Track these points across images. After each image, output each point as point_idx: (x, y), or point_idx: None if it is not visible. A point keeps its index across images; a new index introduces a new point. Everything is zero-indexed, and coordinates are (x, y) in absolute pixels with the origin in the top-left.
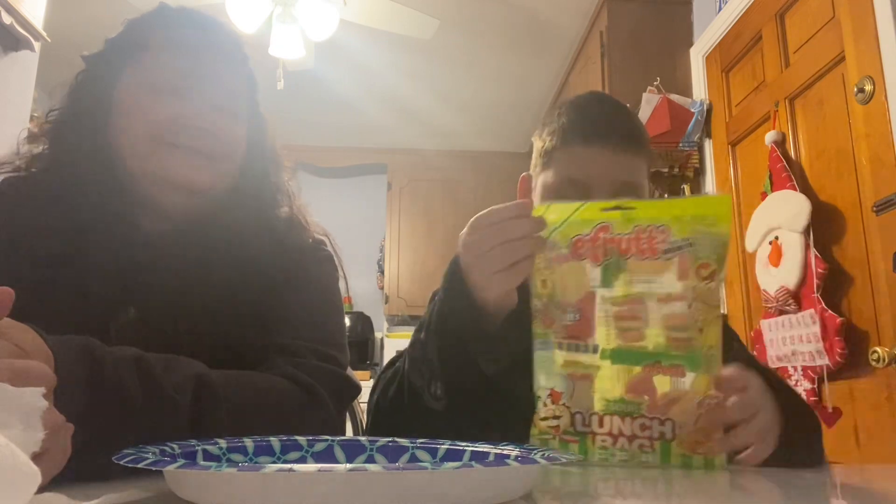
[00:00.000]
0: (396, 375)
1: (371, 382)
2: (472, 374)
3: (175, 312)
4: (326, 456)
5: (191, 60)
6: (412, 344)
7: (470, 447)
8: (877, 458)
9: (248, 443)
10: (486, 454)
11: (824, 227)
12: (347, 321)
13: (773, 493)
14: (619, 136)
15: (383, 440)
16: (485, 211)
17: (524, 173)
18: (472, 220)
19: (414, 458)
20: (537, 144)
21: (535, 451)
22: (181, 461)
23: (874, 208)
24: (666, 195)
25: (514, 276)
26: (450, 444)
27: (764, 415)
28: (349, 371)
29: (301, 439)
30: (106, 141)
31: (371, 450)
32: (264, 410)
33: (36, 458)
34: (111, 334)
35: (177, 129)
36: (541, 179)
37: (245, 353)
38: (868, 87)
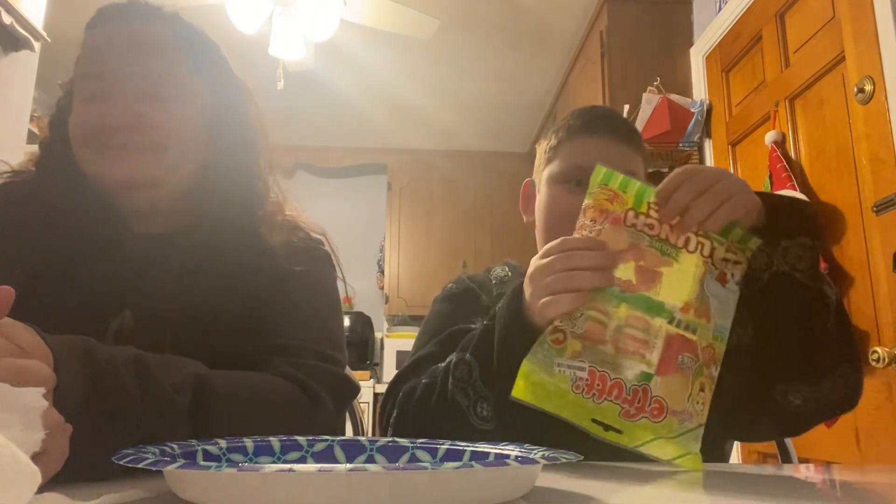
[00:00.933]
0: (433, 389)
1: (371, 383)
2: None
3: (170, 316)
4: (326, 456)
5: (104, 60)
6: (456, 364)
7: (470, 447)
8: (877, 457)
9: (248, 443)
10: (486, 454)
11: (824, 227)
12: (347, 321)
13: (774, 492)
14: (619, 129)
15: (383, 440)
16: (559, 239)
17: (527, 179)
18: (546, 245)
19: (414, 458)
20: (542, 147)
21: (535, 451)
22: (181, 461)
23: (874, 208)
24: None
25: (572, 302)
26: (450, 444)
27: (726, 180)
28: (348, 371)
29: (301, 439)
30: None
31: (371, 450)
32: (263, 410)
33: (35, 458)
34: (107, 339)
35: (107, 131)
36: (545, 173)
37: (242, 355)
38: (868, 87)
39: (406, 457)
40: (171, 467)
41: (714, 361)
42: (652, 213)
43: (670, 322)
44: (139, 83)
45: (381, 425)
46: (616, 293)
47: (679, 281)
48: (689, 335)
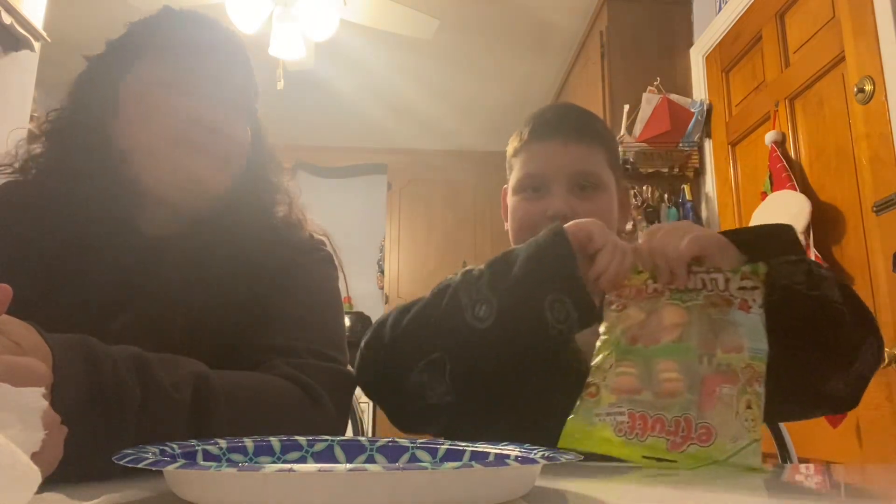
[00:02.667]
0: (419, 301)
1: None
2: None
3: (174, 315)
4: (326, 456)
5: (200, 60)
6: (466, 272)
7: (470, 447)
8: (878, 457)
9: (249, 443)
10: (486, 454)
11: (824, 227)
12: (347, 321)
13: (774, 492)
14: (569, 129)
15: (383, 440)
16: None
17: (504, 185)
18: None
19: (414, 458)
20: (508, 153)
21: (535, 451)
22: (181, 461)
23: (874, 208)
24: (665, 195)
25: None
26: (450, 445)
27: (683, 223)
28: (348, 371)
29: (301, 439)
30: (109, 141)
31: (371, 450)
32: (264, 410)
33: (31, 458)
34: (110, 337)
35: (196, 130)
36: (510, 183)
37: (244, 355)
38: (868, 87)
39: (406, 457)
40: (171, 467)
41: (756, 379)
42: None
43: (701, 362)
44: (227, 92)
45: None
46: (642, 350)
47: (703, 322)
48: (722, 370)
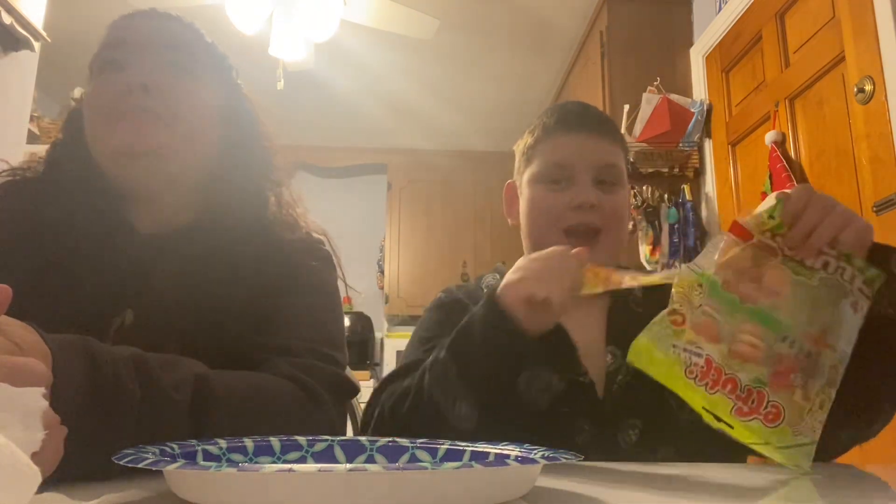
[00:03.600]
0: (410, 390)
1: (371, 383)
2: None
3: (172, 315)
4: (326, 456)
5: (129, 34)
6: (432, 364)
7: (470, 447)
8: (879, 457)
9: (249, 443)
10: (486, 454)
11: None
12: (347, 321)
13: (774, 492)
14: (596, 123)
15: (383, 440)
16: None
17: (509, 181)
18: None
19: (414, 458)
20: (520, 147)
21: (535, 451)
22: (181, 461)
23: (874, 208)
24: (665, 195)
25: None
26: (450, 444)
27: (843, 206)
28: (348, 371)
29: (301, 439)
30: (85, 143)
31: (371, 450)
32: (263, 410)
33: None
34: (109, 338)
35: (129, 96)
36: (526, 175)
37: (243, 354)
38: (868, 87)
39: (406, 457)
40: (171, 467)
41: (835, 383)
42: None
43: (784, 341)
44: (157, 54)
45: (361, 428)
46: (733, 301)
47: (805, 303)
48: (803, 356)
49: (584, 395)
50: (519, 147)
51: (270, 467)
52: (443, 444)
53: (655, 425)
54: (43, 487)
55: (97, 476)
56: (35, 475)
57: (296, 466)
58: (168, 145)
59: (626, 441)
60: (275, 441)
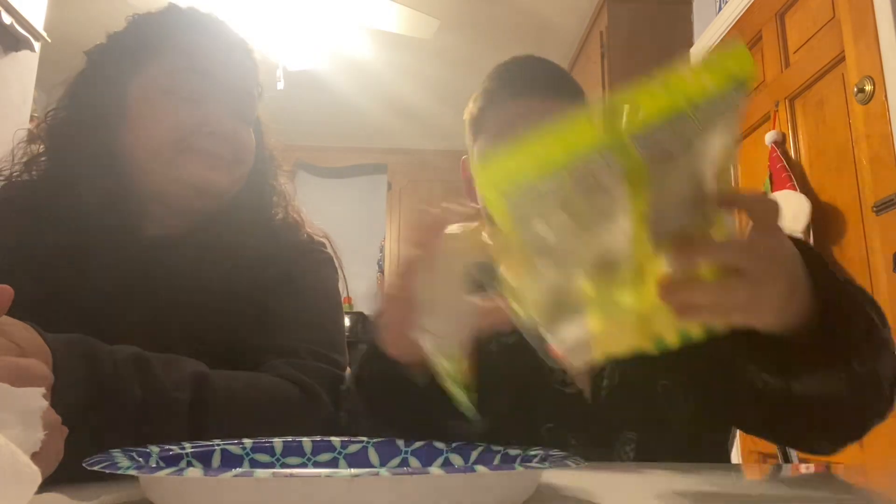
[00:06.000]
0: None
1: None
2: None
3: (175, 316)
4: (360, 458)
5: (206, 65)
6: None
7: (501, 451)
8: (879, 457)
9: (277, 443)
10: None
11: (824, 227)
12: (347, 321)
13: (774, 492)
14: (544, 85)
15: (419, 443)
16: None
17: (463, 157)
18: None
19: (448, 462)
20: (466, 117)
21: (537, 454)
22: (181, 466)
23: (874, 208)
24: None
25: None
26: (483, 447)
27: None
28: (348, 372)
29: (335, 440)
30: (114, 144)
31: (406, 452)
32: (263, 410)
33: (31, 458)
34: (110, 338)
35: (200, 136)
36: (476, 149)
37: (244, 355)
38: (868, 87)
39: (440, 460)
40: (158, 473)
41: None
42: None
43: None
44: (232, 98)
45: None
46: None
47: None
48: None
49: (572, 407)
50: (465, 117)
51: (265, 472)
52: (477, 447)
53: (652, 437)
54: (43, 487)
55: (96, 475)
56: (35, 475)
57: (297, 471)
58: (227, 190)
59: (623, 457)
60: (306, 441)
